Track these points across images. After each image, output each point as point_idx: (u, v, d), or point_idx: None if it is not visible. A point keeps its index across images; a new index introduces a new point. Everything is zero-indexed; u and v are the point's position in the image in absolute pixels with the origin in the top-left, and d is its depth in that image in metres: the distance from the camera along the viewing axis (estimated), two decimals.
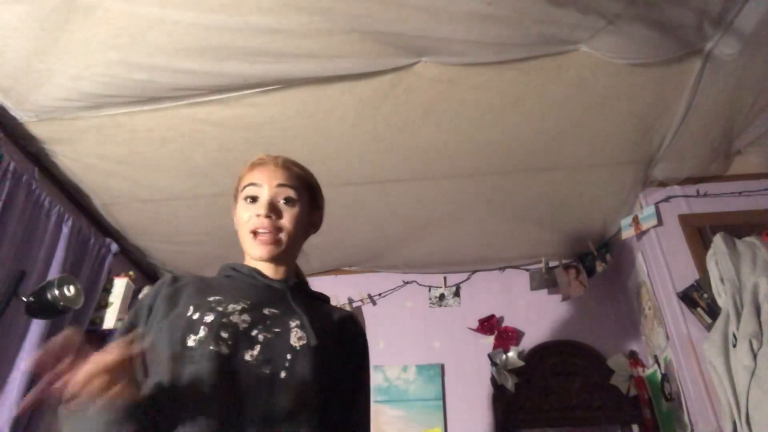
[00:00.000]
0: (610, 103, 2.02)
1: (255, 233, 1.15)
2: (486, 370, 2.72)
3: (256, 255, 1.16)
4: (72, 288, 1.57)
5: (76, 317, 2.20)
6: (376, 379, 2.77)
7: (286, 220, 1.18)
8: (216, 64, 1.78)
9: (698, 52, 1.83)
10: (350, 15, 1.63)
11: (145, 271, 2.97)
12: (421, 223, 2.67)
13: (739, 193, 2.35)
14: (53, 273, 2.10)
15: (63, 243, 2.18)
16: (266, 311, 1.07)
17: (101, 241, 2.48)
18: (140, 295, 1.18)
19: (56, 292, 1.53)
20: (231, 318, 1.01)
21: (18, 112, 1.94)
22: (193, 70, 1.79)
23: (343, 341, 1.15)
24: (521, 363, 2.67)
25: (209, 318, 1.00)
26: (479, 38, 1.73)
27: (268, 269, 1.19)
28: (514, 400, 2.60)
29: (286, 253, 1.19)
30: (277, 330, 1.03)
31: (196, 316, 1.01)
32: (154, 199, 2.43)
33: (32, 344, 1.97)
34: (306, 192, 1.25)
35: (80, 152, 2.15)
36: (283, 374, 0.98)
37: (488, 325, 2.82)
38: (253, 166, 1.24)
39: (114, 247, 2.53)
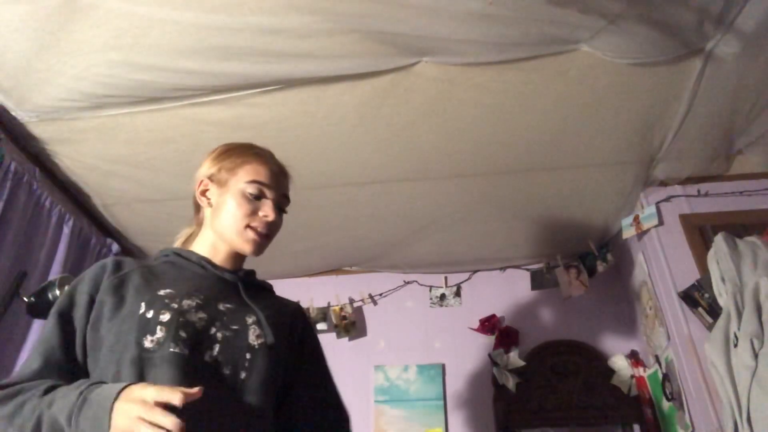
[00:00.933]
0: (611, 102, 2.02)
1: (254, 230, 1.14)
2: (487, 370, 2.72)
3: (245, 250, 1.16)
4: None
5: None
6: (376, 379, 2.78)
7: (278, 227, 1.21)
8: (217, 65, 1.78)
9: (699, 51, 1.83)
10: (351, 15, 1.63)
11: None
12: (422, 223, 2.67)
13: (740, 192, 2.34)
14: (54, 273, 2.10)
15: (64, 243, 2.19)
16: (221, 307, 1.05)
17: (102, 241, 2.48)
18: (81, 277, 1.13)
19: (57, 292, 1.54)
20: (188, 317, 0.99)
21: (19, 112, 1.94)
22: (194, 70, 1.79)
23: (295, 336, 1.16)
24: (522, 363, 2.67)
25: (165, 317, 0.97)
26: (480, 38, 1.73)
27: (221, 259, 1.17)
28: (515, 400, 2.60)
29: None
30: (235, 327, 1.02)
31: (150, 314, 0.98)
32: (155, 199, 2.43)
33: (33, 344, 1.98)
34: None
35: (81, 153, 2.15)
36: (243, 374, 0.98)
37: (489, 324, 2.82)
38: (260, 158, 1.23)
39: (115, 247, 2.53)
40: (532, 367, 2.68)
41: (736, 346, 1.83)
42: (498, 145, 2.20)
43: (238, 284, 1.13)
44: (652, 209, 2.40)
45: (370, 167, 2.29)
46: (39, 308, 1.56)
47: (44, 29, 1.64)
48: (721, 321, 1.94)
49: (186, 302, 1.01)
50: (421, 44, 1.77)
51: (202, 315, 1.01)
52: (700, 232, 2.30)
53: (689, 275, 2.20)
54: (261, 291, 1.21)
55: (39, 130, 2.03)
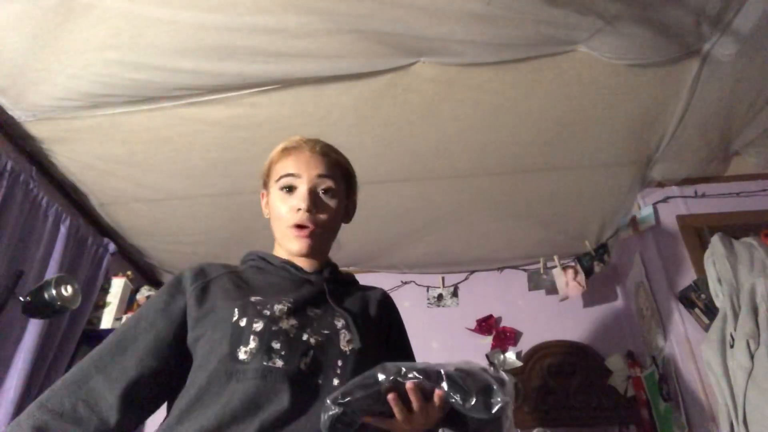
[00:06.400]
0: (608, 103, 2.02)
1: (294, 228, 1.10)
2: None
3: (294, 250, 1.11)
4: (69, 288, 1.57)
5: (73, 317, 2.20)
6: None
7: (326, 214, 1.13)
8: (214, 64, 1.77)
9: (696, 52, 1.83)
10: (348, 15, 1.63)
11: (143, 270, 2.96)
12: (420, 223, 2.67)
13: (737, 193, 2.35)
14: (51, 272, 2.10)
15: (60, 242, 2.18)
16: (310, 312, 1.03)
17: (99, 240, 2.48)
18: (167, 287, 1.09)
19: (53, 291, 1.53)
20: (280, 324, 0.97)
21: (16, 111, 1.94)
22: (191, 69, 1.79)
23: (383, 326, 1.15)
24: (519, 363, 2.67)
25: (258, 326, 0.95)
26: (478, 38, 1.73)
27: (302, 261, 1.14)
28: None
29: (322, 246, 1.16)
30: (326, 332, 1.00)
31: (243, 323, 0.95)
32: (152, 198, 2.42)
33: (29, 344, 1.97)
34: (343, 181, 1.21)
35: (78, 152, 2.15)
36: (335, 382, 0.95)
37: (486, 325, 2.82)
38: (288, 151, 1.18)
39: (112, 246, 2.53)
40: (528, 367, 2.68)
41: (732, 347, 1.83)
42: (495, 146, 2.20)
43: (324, 285, 1.10)
44: (649, 210, 2.40)
45: (367, 167, 2.29)
46: (35, 308, 1.55)
47: (41, 28, 1.64)
48: (717, 322, 1.94)
49: (277, 307, 0.99)
50: (419, 44, 1.77)
51: (293, 322, 0.98)
52: (697, 233, 2.30)
53: (686, 276, 2.21)
54: (346, 288, 1.18)
55: (36, 129, 2.03)
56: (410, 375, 0.85)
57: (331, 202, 1.14)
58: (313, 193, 1.12)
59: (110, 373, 0.94)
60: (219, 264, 1.13)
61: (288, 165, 1.15)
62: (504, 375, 0.89)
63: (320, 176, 1.14)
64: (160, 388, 0.97)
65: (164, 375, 0.97)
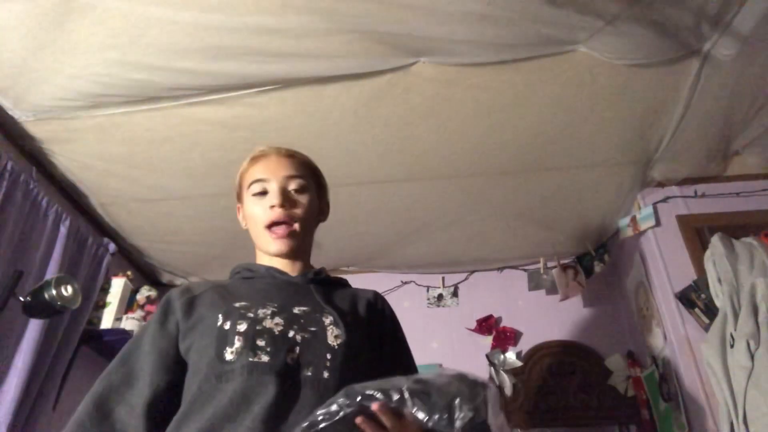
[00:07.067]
0: (608, 103, 2.02)
1: (270, 226, 1.14)
2: (484, 371, 2.72)
3: (273, 251, 1.14)
4: (69, 288, 1.56)
5: (73, 317, 2.20)
6: None
7: (300, 209, 1.16)
8: (214, 64, 1.77)
9: (696, 52, 1.83)
10: (349, 15, 1.63)
11: (143, 270, 2.96)
12: (420, 223, 2.67)
13: (737, 193, 2.35)
14: (51, 273, 2.09)
15: (60, 243, 2.18)
16: (296, 310, 1.04)
17: (99, 240, 2.48)
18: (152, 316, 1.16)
19: (54, 291, 1.53)
20: (264, 324, 0.98)
21: (16, 111, 1.94)
22: (191, 69, 1.79)
23: (374, 326, 1.14)
24: (519, 363, 2.67)
25: (242, 327, 0.97)
26: (478, 38, 1.73)
27: (285, 265, 1.16)
28: (511, 401, 2.60)
29: (301, 245, 1.17)
30: (313, 329, 1.01)
31: (227, 326, 0.98)
32: (152, 198, 2.42)
33: (30, 344, 1.97)
34: (312, 179, 1.24)
35: (78, 152, 2.15)
36: (325, 375, 0.96)
37: (486, 325, 2.82)
38: (256, 160, 1.22)
39: (112, 246, 2.52)
40: (528, 367, 2.68)
41: (732, 346, 1.83)
42: (495, 146, 2.20)
43: (310, 286, 1.13)
44: (649, 210, 2.41)
45: (367, 167, 2.29)
46: (35, 308, 1.55)
47: (41, 28, 1.64)
48: (717, 322, 1.94)
49: (261, 311, 1.01)
50: (419, 44, 1.77)
51: (278, 320, 1.00)
52: (697, 233, 2.30)
53: (686, 276, 2.21)
54: (335, 288, 1.19)
55: (36, 129, 2.03)
56: (373, 396, 0.84)
57: (303, 199, 1.18)
58: (284, 191, 1.16)
59: (129, 399, 0.99)
60: (205, 281, 1.17)
61: (257, 171, 1.19)
62: (481, 379, 0.88)
63: (289, 177, 1.18)
64: (178, 400, 1.00)
65: (178, 387, 1.01)
